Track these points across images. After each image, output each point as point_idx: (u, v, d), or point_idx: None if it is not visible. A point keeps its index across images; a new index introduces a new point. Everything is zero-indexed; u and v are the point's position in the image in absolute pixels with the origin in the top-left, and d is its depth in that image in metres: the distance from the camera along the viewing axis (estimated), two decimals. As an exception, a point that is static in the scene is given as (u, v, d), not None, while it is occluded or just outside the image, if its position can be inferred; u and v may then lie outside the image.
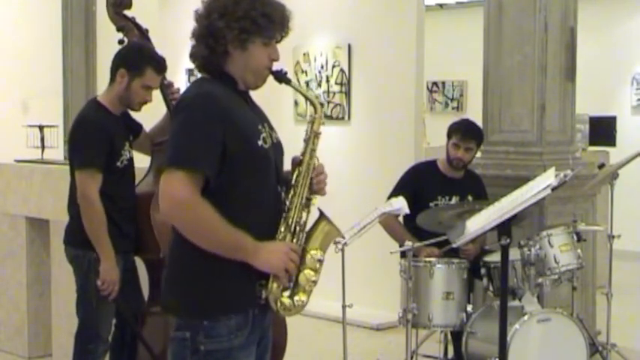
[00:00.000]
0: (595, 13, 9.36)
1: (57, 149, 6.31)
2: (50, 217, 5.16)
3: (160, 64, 3.90)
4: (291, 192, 2.57)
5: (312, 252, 2.54)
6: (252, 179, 2.48)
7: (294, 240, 2.53)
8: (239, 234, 2.42)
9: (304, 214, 2.57)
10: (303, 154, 2.61)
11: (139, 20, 4.22)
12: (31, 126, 6.20)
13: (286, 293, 2.51)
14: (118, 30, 4.15)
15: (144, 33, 4.15)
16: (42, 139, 6.10)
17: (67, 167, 3.96)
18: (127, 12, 4.19)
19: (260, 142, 2.50)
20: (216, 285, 2.46)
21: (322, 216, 2.60)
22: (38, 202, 5.25)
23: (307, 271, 2.53)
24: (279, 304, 2.50)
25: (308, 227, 2.58)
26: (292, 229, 2.53)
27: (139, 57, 3.88)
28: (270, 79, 2.62)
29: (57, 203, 5.05)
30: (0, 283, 5.64)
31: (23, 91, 6.97)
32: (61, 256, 5.03)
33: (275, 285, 2.48)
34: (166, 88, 4.05)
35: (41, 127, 6.13)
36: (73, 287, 3.98)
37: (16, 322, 5.52)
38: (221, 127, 2.42)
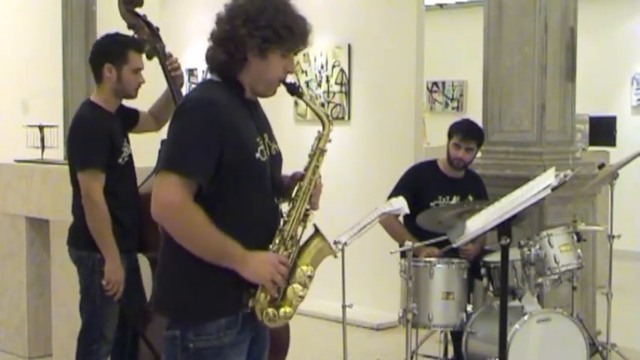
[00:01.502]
0: (595, 13, 9.36)
1: (57, 149, 6.30)
2: (50, 217, 5.16)
3: (138, 43, 3.92)
4: (290, 205, 2.57)
5: (303, 267, 2.54)
6: (247, 190, 2.48)
7: (287, 253, 2.52)
8: (228, 242, 2.42)
9: (300, 229, 2.57)
10: (306, 169, 2.60)
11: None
12: (31, 126, 6.19)
13: (273, 304, 2.51)
14: (129, 28, 4.14)
15: (154, 31, 4.14)
16: (42, 139, 6.09)
17: (67, 167, 3.96)
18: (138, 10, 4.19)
19: (257, 155, 2.49)
20: (205, 289, 2.46)
21: (317, 232, 2.59)
22: (38, 202, 5.25)
23: (296, 286, 2.52)
24: (264, 314, 2.50)
25: (302, 242, 2.58)
26: (286, 242, 2.53)
27: (117, 46, 3.87)
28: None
29: (57, 203, 5.05)
30: (0, 283, 5.64)
31: (23, 91, 6.98)
32: (61, 256, 5.04)
33: (263, 295, 2.49)
34: (166, 59, 4.03)
35: (41, 127, 6.12)
36: (73, 287, 3.98)
37: (16, 322, 5.52)
38: (219, 136, 2.41)
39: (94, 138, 3.78)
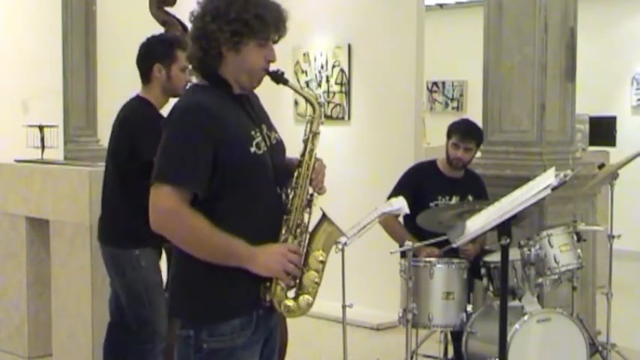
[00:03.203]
0: (595, 13, 9.36)
1: (57, 149, 6.29)
2: (50, 217, 5.16)
3: (182, 42, 3.95)
4: (292, 193, 2.56)
5: (316, 253, 2.53)
6: (247, 186, 2.48)
7: (296, 242, 2.52)
8: (233, 241, 2.41)
9: (305, 215, 2.56)
10: (302, 154, 2.59)
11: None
12: (31, 126, 6.19)
13: (291, 295, 2.51)
14: (162, 24, 4.14)
15: (186, 29, 4.15)
16: (42, 139, 6.08)
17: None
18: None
19: (253, 149, 2.48)
20: (219, 290, 2.46)
21: (324, 217, 2.58)
22: (38, 202, 5.24)
23: (311, 272, 2.52)
24: (283, 306, 2.50)
25: (311, 228, 2.57)
26: (293, 230, 2.52)
27: (165, 46, 3.92)
28: (267, 79, 2.61)
29: (57, 203, 5.05)
30: (0, 283, 5.64)
31: (23, 91, 6.96)
32: (61, 256, 5.05)
33: (279, 287, 2.48)
34: None
35: (41, 127, 6.11)
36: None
37: (16, 322, 5.52)
38: (209, 140, 2.41)
39: (150, 133, 3.77)
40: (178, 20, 4.17)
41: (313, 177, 2.58)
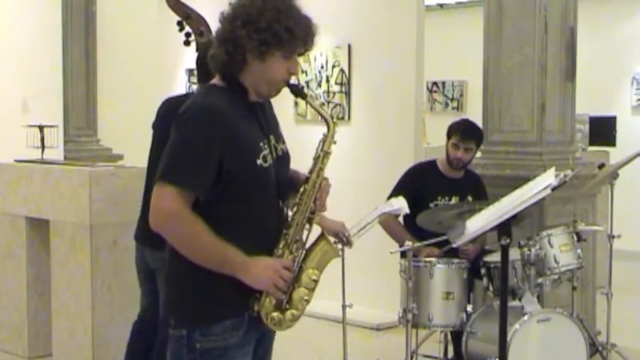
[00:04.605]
0: (595, 13, 9.36)
1: (57, 149, 6.29)
2: (50, 217, 5.16)
3: None
4: (295, 209, 2.56)
5: (309, 271, 2.53)
6: (249, 196, 2.47)
7: (292, 257, 2.51)
8: (228, 249, 2.41)
9: (305, 232, 2.56)
10: (311, 172, 2.58)
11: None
12: (31, 126, 6.19)
13: (279, 308, 2.51)
14: (186, 18, 4.04)
15: (209, 27, 4.09)
16: (42, 139, 6.08)
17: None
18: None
19: (259, 161, 2.48)
20: (211, 291, 2.47)
21: (323, 235, 2.59)
22: (38, 202, 5.24)
23: (302, 289, 2.52)
24: (269, 318, 2.50)
25: (308, 245, 2.56)
26: (291, 245, 2.52)
27: None
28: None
29: (57, 203, 5.05)
30: (0, 283, 5.64)
31: (23, 91, 6.97)
32: (61, 256, 5.05)
33: (267, 300, 2.48)
34: None
35: (41, 127, 6.11)
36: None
37: (16, 322, 5.52)
38: (218, 146, 2.41)
39: None
40: (197, 14, 4.08)
41: (318, 196, 2.58)
